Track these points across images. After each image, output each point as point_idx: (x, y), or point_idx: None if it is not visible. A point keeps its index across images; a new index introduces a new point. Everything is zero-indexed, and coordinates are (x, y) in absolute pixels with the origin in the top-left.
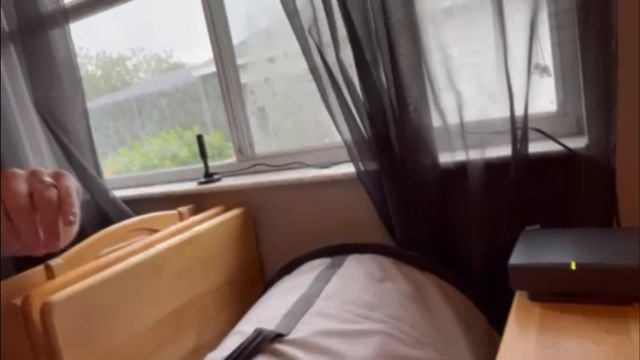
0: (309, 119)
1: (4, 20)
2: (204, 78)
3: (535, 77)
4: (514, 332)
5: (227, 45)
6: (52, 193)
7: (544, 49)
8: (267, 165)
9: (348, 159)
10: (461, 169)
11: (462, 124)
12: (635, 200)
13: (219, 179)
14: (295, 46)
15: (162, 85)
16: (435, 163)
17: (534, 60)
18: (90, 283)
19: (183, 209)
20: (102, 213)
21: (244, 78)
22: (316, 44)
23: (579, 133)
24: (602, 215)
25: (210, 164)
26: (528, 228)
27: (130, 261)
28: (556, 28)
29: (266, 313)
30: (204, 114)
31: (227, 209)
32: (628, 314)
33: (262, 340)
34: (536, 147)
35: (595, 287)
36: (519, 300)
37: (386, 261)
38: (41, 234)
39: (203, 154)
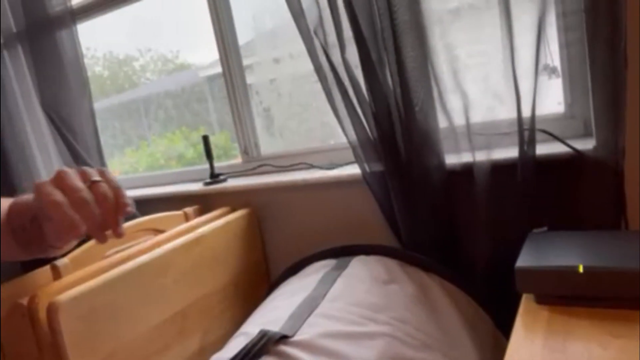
0: (314, 120)
1: (9, 22)
2: (210, 79)
3: (542, 78)
4: (520, 336)
5: (233, 46)
6: (106, 187)
7: (552, 50)
8: (272, 166)
9: (353, 160)
10: (467, 170)
11: (468, 125)
12: None
13: (224, 180)
14: (300, 47)
15: (169, 85)
16: (441, 164)
17: (542, 61)
18: (96, 283)
19: (189, 210)
20: None
21: (249, 79)
22: (322, 44)
23: (586, 135)
24: (610, 217)
25: (216, 164)
26: (535, 230)
27: (136, 262)
28: (564, 29)
29: (271, 314)
30: (210, 114)
31: (233, 209)
32: (636, 318)
33: (267, 342)
34: (543, 148)
35: (603, 291)
36: (526, 303)
37: (392, 263)
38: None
39: (209, 155)
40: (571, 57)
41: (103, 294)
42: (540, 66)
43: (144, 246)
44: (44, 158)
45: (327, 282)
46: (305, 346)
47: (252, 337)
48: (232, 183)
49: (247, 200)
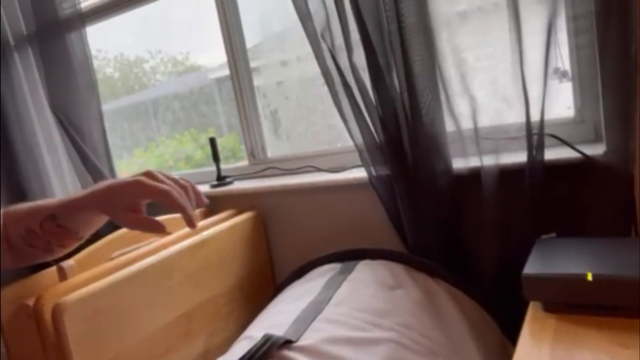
0: (321, 123)
1: (20, 24)
2: (219, 81)
3: (553, 81)
4: (527, 344)
5: (241, 49)
6: (185, 182)
7: (563, 53)
8: (278, 168)
9: (360, 163)
10: (475, 175)
11: (476, 129)
12: None
13: (231, 182)
14: (308, 50)
15: (178, 87)
16: (448, 169)
17: (552, 65)
18: (101, 285)
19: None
20: None
21: (256, 81)
22: (329, 47)
23: (596, 140)
24: (620, 224)
25: (223, 166)
26: (543, 237)
27: (141, 264)
28: (574, 32)
29: (275, 318)
30: (219, 116)
31: (239, 212)
32: None
33: (271, 346)
34: (552, 153)
35: (612, 300)
36: (533, 311)
37: (397, 267)
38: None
39: (215, 157)
40: (581, 60)
41: (108, 296)
42: (551, 69)
43: (150, 248)
44: (52, 159)
45: (332, 287)
46: (309, 351)
47: (256, 341)
48: (238, 186)
49: (253, 202)
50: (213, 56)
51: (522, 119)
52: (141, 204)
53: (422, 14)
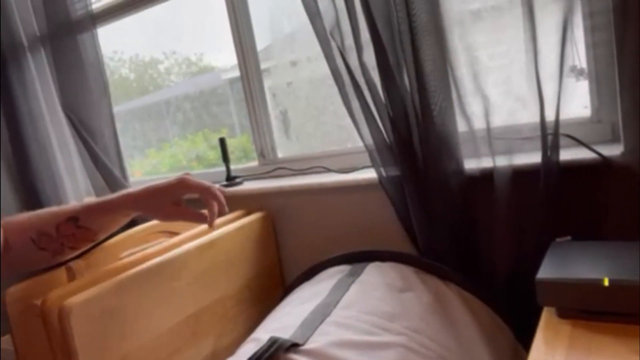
0: (331, 123)
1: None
2: (232, 81)
3: (569, 80)
4: (540, 351)
5: (251, 50)
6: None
7: (579, 51)
8: (288, 169)
9: (370, 164)
10: (487, 176)
11: (488, 129)
12: None
13: (240, 182)
14: (318, 50)
15: (192, 88)
16: (459, 169)
17: (569, 63)
18: (109, 286)
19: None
20: None
21: (266, 82)
22: (338, 47)
23: (614, 140)
24: (638, 227)
25: (233, 167)
26: (558, 240)
27: (149, 264)
28: (591, 30)
29: (283, 321)
30: (231, 116)
31: (248, 212)
32: None
33: (277, 349)
34: (568, 154)
35: (629, 306)
36: (547, 317)
37: (407, 270)
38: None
39: (225, 157)
40: (598, 59)
41: (116, 296)
42: (567, 68)
43: (158, 248)
44: (64, 159)
45: (340, 289)
46: (316, 355)
47: (262, 344)
48: (248, 186)
49: (263, 203)
50: (226, 57)
51: (536, 118)
52: (182, 200)
53: (433, 13)
